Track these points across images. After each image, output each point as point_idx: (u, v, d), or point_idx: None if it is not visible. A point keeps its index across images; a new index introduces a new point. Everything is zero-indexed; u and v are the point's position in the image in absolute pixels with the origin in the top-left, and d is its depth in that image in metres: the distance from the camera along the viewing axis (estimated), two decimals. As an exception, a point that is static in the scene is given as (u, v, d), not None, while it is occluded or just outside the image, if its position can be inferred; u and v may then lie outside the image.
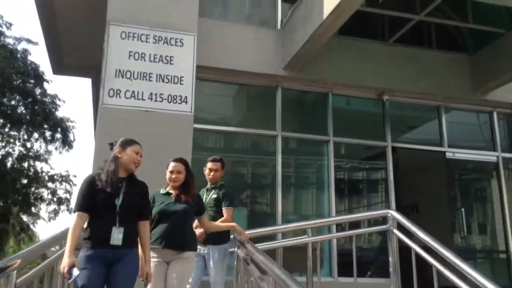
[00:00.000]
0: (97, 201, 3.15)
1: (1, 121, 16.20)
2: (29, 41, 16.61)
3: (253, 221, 7.18)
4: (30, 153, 17.45)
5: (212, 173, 4.64)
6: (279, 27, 7.72)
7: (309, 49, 6.80)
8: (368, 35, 8.07)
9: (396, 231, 4.70)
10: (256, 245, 4.49)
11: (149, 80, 6.18)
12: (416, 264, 4.32)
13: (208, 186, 4.74)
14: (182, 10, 6.50)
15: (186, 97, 6.27)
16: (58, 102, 17.19)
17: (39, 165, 17.92)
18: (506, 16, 7.63)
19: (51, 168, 19.03)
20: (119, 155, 3.34)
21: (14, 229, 19.93)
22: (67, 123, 17.77)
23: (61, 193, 18.74)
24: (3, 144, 16.76)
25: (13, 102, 16.14)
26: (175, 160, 3.96)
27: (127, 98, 6.05)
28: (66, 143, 17.83)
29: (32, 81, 16.22)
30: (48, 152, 17.93)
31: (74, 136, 18.16)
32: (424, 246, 4.29)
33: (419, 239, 4.30)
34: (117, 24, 6.19)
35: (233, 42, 7.23)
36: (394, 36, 7.90)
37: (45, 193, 18.36)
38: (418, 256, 4.31)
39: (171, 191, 3.96)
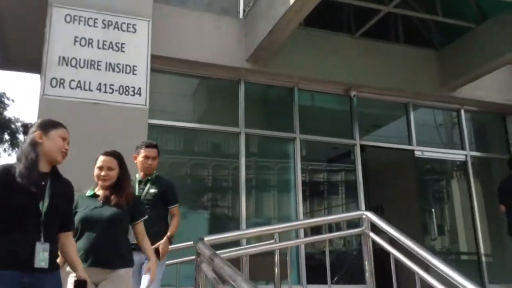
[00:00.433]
0: (13, 204, 2.25)
1: None
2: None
3: (214, 225, 6.66)
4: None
5: (149, 161, 3.92)
6: (241, 15, 7.22)
7: (273, 40, 6.34)
8: (334, 27, 7.72)
9: (372, 234, 4.28)
10: (218, 251, 3.97)
11: (98, 69, 5.58)
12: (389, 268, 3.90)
13: (139, 177, 3.99)
14: (135, -8, 5.92)
15: (139, 88, 5.70)
16: (6, 101, 16.31)
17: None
18: (475, 9, 7.41)
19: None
20: (40, 141, 2.43)
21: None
22: (16, 124, 16.85)
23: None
24: None
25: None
26: (106, 154, 3.20)
27: (72, 88, 5.42)
28: (15, 144, 16.91)
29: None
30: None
31: (24, 137, 17.17)
32: (400, 248, 3.89)
33: (392, 241, 3.90)
34: (61, 5, 5.57)
35: (191, 31, 6.66)
36: (362, 29, 7.57)
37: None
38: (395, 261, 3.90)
39: (99, 192, 3.17)
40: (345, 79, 7.44)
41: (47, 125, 2.51)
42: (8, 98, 16.50)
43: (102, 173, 3.13)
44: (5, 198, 2.24)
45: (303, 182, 7.04)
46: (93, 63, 5.56)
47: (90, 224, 3.01)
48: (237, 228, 6.43)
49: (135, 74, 5.70)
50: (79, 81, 5.44)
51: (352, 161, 7.45)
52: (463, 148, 8.24)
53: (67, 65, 5.45)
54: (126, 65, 5.69)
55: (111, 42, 5.68)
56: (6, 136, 16.82)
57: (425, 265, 3.50)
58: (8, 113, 16.79)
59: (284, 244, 4.44)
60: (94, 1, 5.68)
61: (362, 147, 7.51)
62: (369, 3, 6.93)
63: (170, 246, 4.15)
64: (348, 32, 7.77)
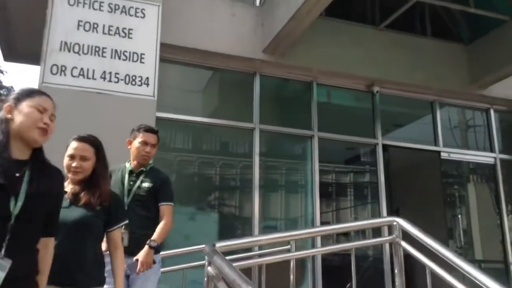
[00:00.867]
0: None
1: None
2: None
3: (226, 227, 6.24)
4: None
5: (147, 148, 3.27)
6: (258, 2, 6.75)
7: (292, 29, 5.85)
8: (357, 18, 7.23)
9: (404, 244, 3.80)
10: (230, 257, 3.52)
11: (103, 56, 5.15)
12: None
13: (130, 166, 3.32)
14: (144, -26, 5.48)
15: (147, 78, 5.26)
16: (14, 94, 16.00)
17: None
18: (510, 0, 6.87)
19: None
20: (9, 116, 1.82)
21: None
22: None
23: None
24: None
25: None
26: (80, 139, 2.49)
27: (74, 76, 4.99)
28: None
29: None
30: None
31: None
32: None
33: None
34: (64, -13, 5.12)
35: (204, 19, 6.19)
36: (387, 21, 7.07)
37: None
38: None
39: (68, 188, 2.43)
40: (367, 73, 6.94)
41: (20, 95, 1.89)
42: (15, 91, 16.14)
43: (74, 164, 2.43)
44: None
45: (321, 183, 6.56)
46: (97, 49, 5.12)
47: None
48: (250, 231, 5.97)
49: (143, 63, 5.27)
50: (82, 69, 5.01)
51: (374, 162, 6.96)
52: (492, 151, 7.74)
53: (69, 51, 5.02)
54: (134, 52, 5.26)
55: (117, 28, 5.25)
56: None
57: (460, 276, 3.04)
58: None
59: (303, 253, 4.01)
60: (99, -18, 5.25)
61: (385, 147, 7.01)
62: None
63: (172, 251, 3.69)
64: (372, 24, 7.26)
